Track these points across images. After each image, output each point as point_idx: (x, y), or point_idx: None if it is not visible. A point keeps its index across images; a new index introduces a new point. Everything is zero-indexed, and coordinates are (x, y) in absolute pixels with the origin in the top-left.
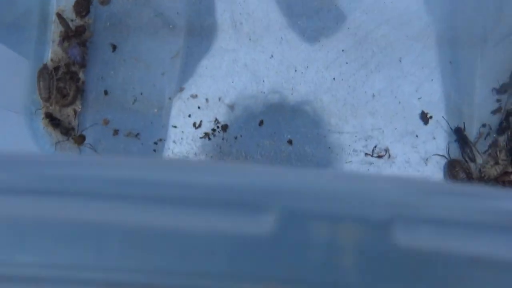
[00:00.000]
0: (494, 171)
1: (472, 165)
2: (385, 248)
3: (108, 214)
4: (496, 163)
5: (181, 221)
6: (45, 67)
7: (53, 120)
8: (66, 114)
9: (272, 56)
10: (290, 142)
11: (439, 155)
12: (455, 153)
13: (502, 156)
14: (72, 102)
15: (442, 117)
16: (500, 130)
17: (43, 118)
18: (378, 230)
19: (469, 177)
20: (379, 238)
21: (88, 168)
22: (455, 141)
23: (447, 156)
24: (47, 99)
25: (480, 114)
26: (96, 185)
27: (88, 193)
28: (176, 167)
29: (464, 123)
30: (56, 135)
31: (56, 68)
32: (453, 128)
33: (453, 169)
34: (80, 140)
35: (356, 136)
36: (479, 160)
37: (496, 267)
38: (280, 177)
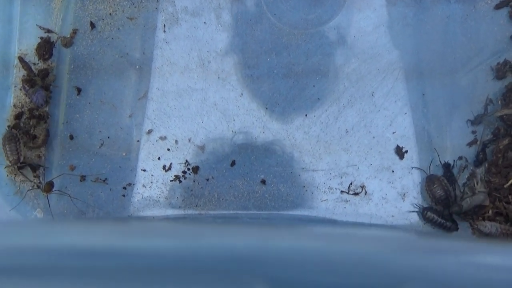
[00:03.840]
0: (471, 201)
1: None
2: None
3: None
4: (474, 194)
5: None
6: (9, 131)
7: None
8: (31, 160)
9: (242, 94)
10: (263, 182)
11: (419, 168)
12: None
13: (478, 187)
14: (42, 144)
15: (435, 149)
16: (477, 162)
17: (6, 166)
18: None
19: (447, 195)
20: None
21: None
22: (443, 175)
23: (427, 172)
24: (17, 161)
25: (454, 146)
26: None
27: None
28: (142, 232)
29: (454, 160)
30: (21, 182)
31: (19, 115)
32: (442, 162)
33: (431, 184)
34: (48, 188)
35: (331, 174)
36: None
37: None
38: (265, 240)
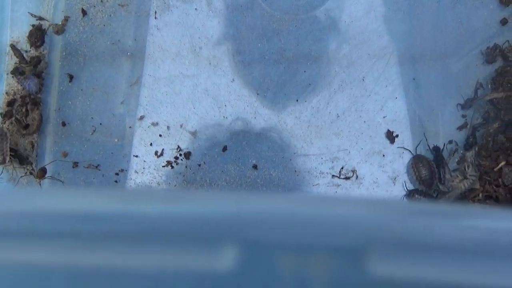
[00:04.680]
0: (462, 185)
1: (441, 186)
2: (359, 279)
3: (52, 254)
4: (465, 177)
5: (131, 259)
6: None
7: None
8: (24, 147)
9: (233, 80)
10: (255, 167)
11: (405, 149)
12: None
13: (470, 171)
14: (35, 131)
15: (424, 133)
16: (468, 145)
17: None
18: (351, 259)
19: (432, 176)
20: (353, 268)
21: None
22: (433, 160)
23: (413, 152)
24: (3, 162)
25: (445, 130)
26: (33, 223)
27: (23, 232)
28: (124, 198)
29: (444, 144)
30: (14, 169)
31: (12, 102)
32: (431, 146)
33: (418, 163)
34: (41, 174)
35: (322, 158)
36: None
37: None
38: (240, 204)
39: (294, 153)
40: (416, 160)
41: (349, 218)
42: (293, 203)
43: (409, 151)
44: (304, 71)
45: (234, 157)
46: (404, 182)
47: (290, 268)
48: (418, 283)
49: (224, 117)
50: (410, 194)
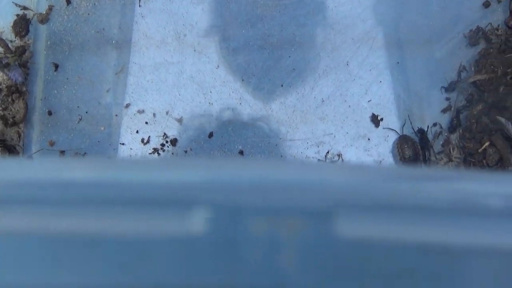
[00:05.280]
0: (447, 168)
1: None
2: (328, 241)
3: (24, 220)
4: (450, 160)
5: (105, 225)
6: None
7: None
8: (10, 137)
9: (218, 66)
10: (241, 152)
11: (391, 129)
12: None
13: (455, 153)
14: (21, 120)
15: (408, 116)
16: (452, 128)
17: None
18: (322, 221)
19: (416, 157)
20: (324, 229)
21: None
22: (419, 142)
23: (399, 132)
24: None
25: (430, 113)
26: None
27: None
28: (96, 165)
29: (428, 126)
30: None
31: None
32: (415, 129)
33: (404, 143)
34: None
35: (308, 143)
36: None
37: (446, 254)
38: (212, 169)
39: (280, 138)
40: (402, 141)
41: (320, 181)
42: (265, 168)
43: (396, 131)
44: (289, 57)
45: (220, 143)
46: (404, 122)
47: (261, 230)
48: (387, 242)
49: (209, 103)
50: (402, 137)
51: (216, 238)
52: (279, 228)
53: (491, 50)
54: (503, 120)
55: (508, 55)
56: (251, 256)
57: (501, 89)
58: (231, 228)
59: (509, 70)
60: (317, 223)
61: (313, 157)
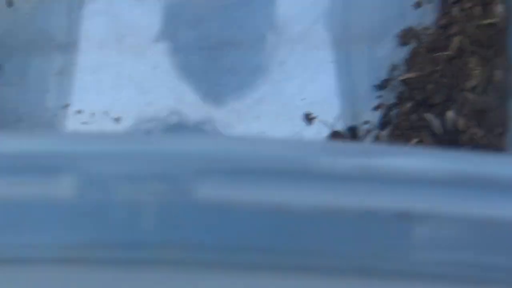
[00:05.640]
0: None
1: None
2: (187, 201)
3: None
4: None
5: None
6: None
7: None
8: None
9: (157, 67)
10: None
11: (324, 125)
12: None
13: None
14: None
15: (340, 115)
16: (382, 125)
17: None
18: (181, 186)
19: None
20: (183, 193)
21: None
22: (350, 139)
23: (331, 129)
24: None
25: (363, 111)
26: None
27: None
28: None
29: (360, 124)
30: None
31: None
32: (347, 126)
33: (335, 140)
34: None
35: None
36: None
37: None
38: (77, 139)
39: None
40: (334, 138)
41: (180, 150)
42: (125, 139)
43: (328, 128)
44: (227, 57)
45: None
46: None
47: (123, 195)
48: (245, 206)
49: (148, 103)
50: (333, 134)
51: (82, 202)
52: (139, 193)
53: (421, 49)
54: (431, 117)
55: (437, 54)
56: (116, 217)
57: (429, 87)
58: (95, 194)
59: (437, 68)
60: (174, 187)
61: None
